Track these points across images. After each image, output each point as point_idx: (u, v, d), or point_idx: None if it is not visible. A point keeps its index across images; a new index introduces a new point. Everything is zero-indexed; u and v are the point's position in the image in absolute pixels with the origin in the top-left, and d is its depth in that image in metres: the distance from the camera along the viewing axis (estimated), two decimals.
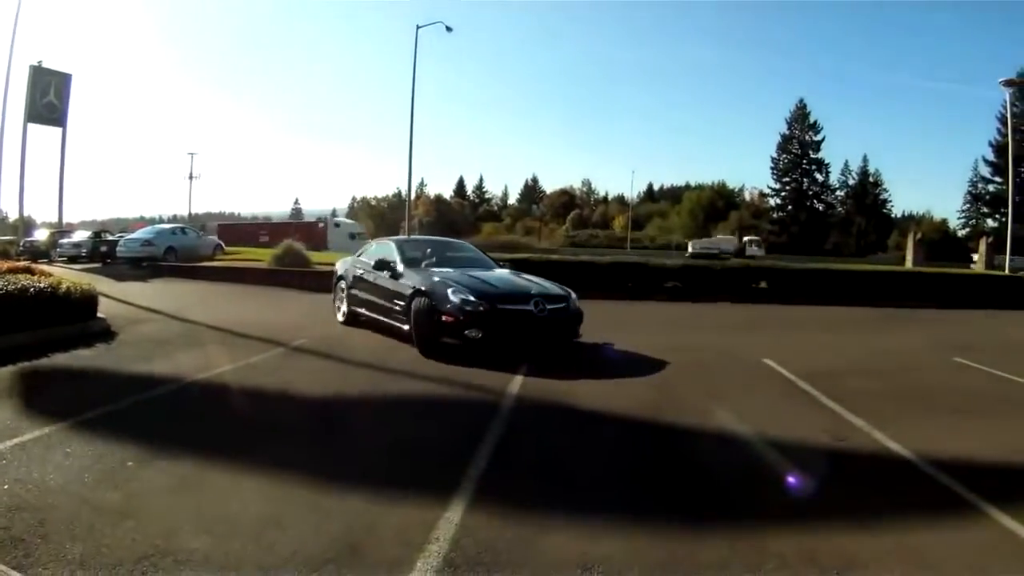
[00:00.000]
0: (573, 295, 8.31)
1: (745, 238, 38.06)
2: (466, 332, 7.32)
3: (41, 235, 28.20)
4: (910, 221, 71.55)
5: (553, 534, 3.18)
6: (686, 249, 52.24)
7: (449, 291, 7.53)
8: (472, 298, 7.44)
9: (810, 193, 71.78)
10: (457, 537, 3.06)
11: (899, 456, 4.42)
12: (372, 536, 3.10)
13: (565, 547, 3.04)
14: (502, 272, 9.13)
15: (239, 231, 47.49)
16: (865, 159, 73.44)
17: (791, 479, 3.90)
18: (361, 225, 60.57)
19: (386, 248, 9.69)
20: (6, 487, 3.44)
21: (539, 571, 2.82)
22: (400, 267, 8.69)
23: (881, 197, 72.16)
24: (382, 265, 8.91)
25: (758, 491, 3.76)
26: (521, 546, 3.01)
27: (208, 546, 2.97)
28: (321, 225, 48.82)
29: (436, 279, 7.99)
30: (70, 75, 35.65)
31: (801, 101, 71.92)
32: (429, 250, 9.81)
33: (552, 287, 8.37)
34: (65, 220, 36.11)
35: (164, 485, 3.65)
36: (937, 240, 53.66)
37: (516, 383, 6.28)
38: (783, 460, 4.24)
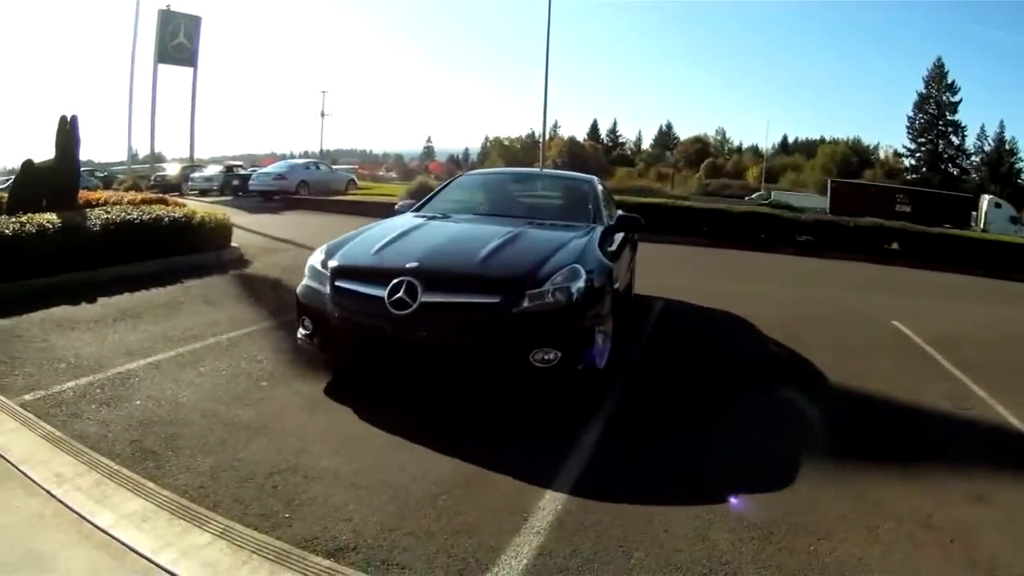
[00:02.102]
0: (576, 282, 3.84)
1: None
2: (301, 321, 4.18)
3: (172, 169, 28.04)
4: None
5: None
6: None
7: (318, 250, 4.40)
8: (320, 266, 4.14)
9: (945, 156, 66.39)
10: None
11: (1019, 432, 4.17)
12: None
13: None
14: (556, 234, 4.67)
15: (864, 195, 34.76)
16: (1002, 125, 66.85)
17: (911, 443, 3.87)
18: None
19: None
20: (138, 403, 3.46)
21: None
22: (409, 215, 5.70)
23: (1016, 167, 65.46)
24: (403, 210, 6.01)
25: (879, 451, 3.67)
26: None
27: (337, 464, 2.85)
28: (966, 195, 38.46)
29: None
30: (199, 17, 37.54)
31: (939, 60, 66.32)
32: (485, 194, 6.22)
33: (520, 258, 4.04)
34: (196, 156, 38.26)
35: (297, 404, 3.59)
36: None
37: None
38: (906, 423, 4.21)
